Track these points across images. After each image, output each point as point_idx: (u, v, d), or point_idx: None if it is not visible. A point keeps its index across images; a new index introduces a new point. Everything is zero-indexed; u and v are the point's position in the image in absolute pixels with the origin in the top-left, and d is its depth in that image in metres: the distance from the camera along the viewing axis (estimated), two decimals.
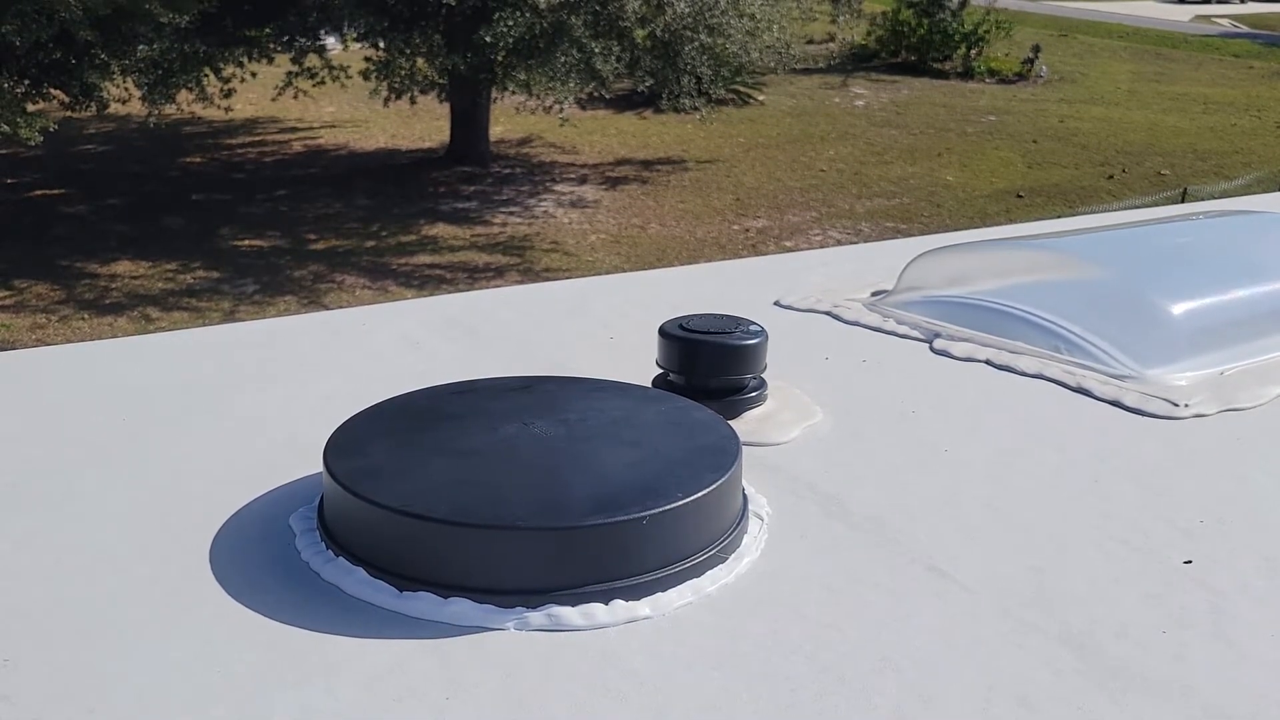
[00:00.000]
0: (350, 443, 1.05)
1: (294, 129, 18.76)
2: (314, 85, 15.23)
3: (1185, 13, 40.39)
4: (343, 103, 19.15)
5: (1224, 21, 38.87)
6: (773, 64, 17.15)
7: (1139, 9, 39.28)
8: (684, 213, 15.22)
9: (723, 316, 1.35)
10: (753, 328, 1.33)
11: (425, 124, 18.15)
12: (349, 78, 15.14)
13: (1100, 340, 1.59)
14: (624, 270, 12.66)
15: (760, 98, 21.52)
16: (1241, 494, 1.21)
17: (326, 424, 1.12)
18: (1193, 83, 26.79)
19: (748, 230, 14.75)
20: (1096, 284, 1.73)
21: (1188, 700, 0.86)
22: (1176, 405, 1.41)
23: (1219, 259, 1.86)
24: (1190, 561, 1.06)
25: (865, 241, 14.51)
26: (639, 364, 1.41)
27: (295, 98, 15.45)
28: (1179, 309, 1.60)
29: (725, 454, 1.06)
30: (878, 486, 1.20)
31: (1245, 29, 37.04)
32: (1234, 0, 45.41)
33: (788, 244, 14.26)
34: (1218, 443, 1.34)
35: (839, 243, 14.45)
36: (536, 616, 0.92)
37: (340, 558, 0.99)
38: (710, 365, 1.30)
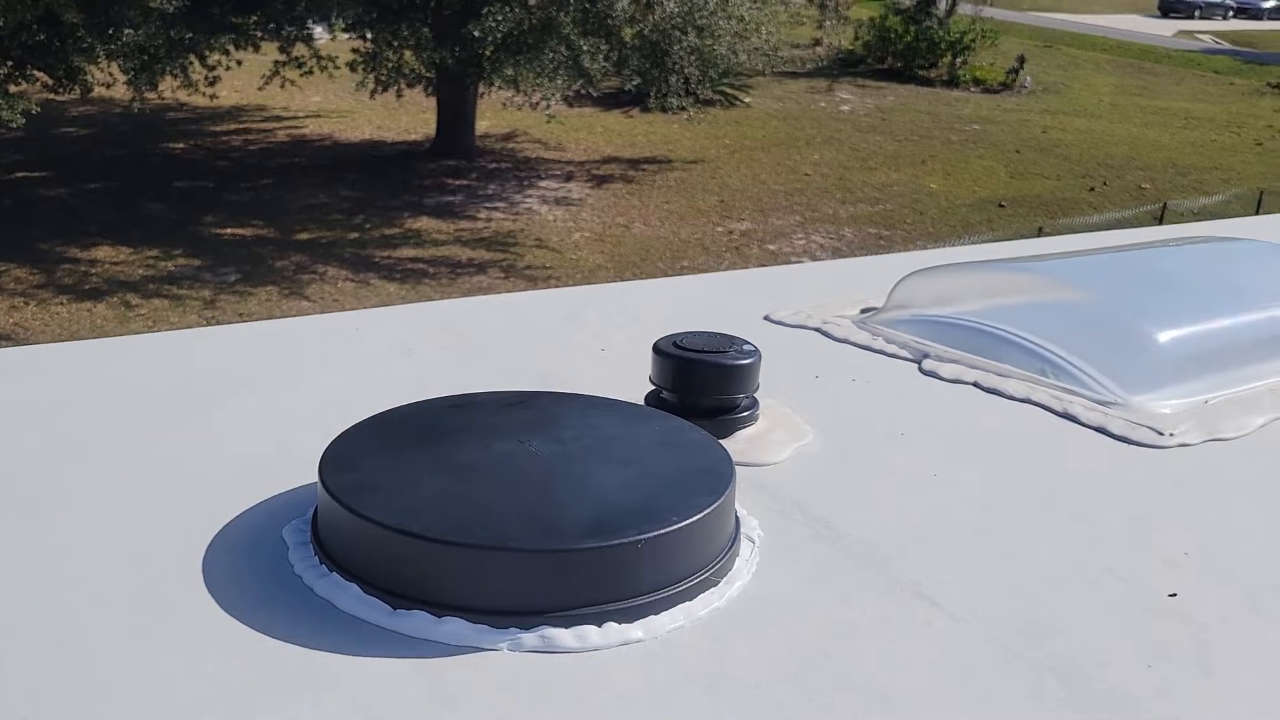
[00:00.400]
0: (346, 456, 1.05)
1: (279, 118, 18.67)
2: (301, 75, 15.15)
3: (1169, 28, 40.81)
4: (329, 93, 19.06)
5: (1206, 38, 39.27)
6: (760, 66, 17.20)
7: (1123, 23, 39.63)
8: (668, 213, 15.24)
9: (717, 335, 1.35)
10: (746, 347, 1.33)
11: (411, 116, 18.09)
12: (336, 68, 15.07)
13: (1087, 365, 1.60)
14: (606, 268, 12.66)
15: (747, 99, 21.57)
16: (1225, 526, 1.23)
17: (319, 432, 1.11)
18: (1174, 97, 27.06)
19: (731, 232, 14.78)
20: (1084, 308, 1.74)
21: None
22: (1161, 434, 1.43)
23: (1204, 286, 1.88)
24: (1175, 594, 1.07)
25: (848, 245, 14.57)
26: (631, 377, 1.42)
27: (282, 87, 15.37)
28: (1165, 336, 1.62)
29: (720, 477, 1.06)
30: (867, 510, 1.21)
31: (1227, 45, 37.43)
32: (1217, 16, 45.88)
33: (771, 247, 14.30)
34: (1202, 473, 1.35)
35: (821, 247, 14.51)
36: (530, 638, 0.93)
37: (334, 573, 0.99)
38: (704, 384, 1.31)
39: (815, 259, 13.97)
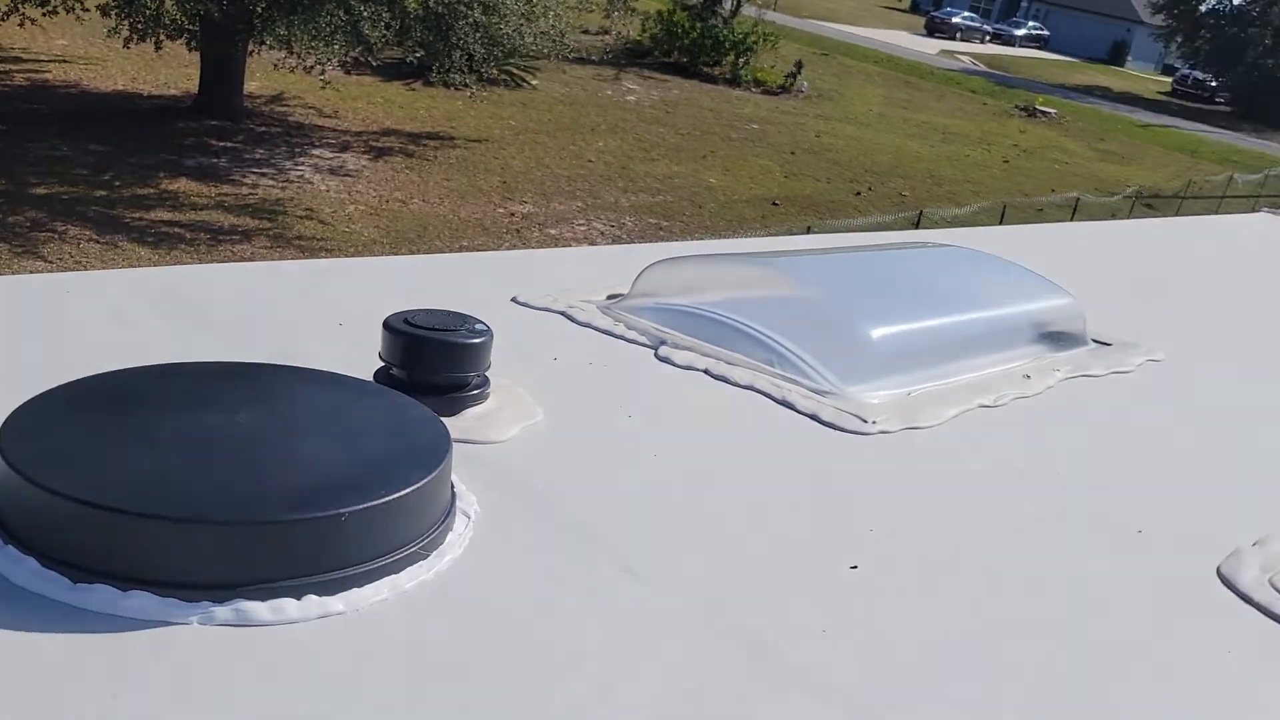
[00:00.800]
0: (30, 424, 0.99)
1: (17, 60, 17.05)
2: (44, 14, 13.87)
3: (933, 46, 43.67)
4: (76, 37, 17.57)
5: (965, 59, 42.29)
6: (546, 50, 17.16)
7: (893, 38, 42.10)
8: (449, 191, 15.01)
9: (449, 313, 1.36)
10: (478, 326, 1.34)
11: (172, 70, 16.96)
12: (85, 10, 13.89)
13: (808, 357, 1.71)
14: (382, 244, 12.34)
15: (533, 82, 21.50)
16: (909, 506, 1.34)
17: (9, 399, 1.05)
18: (935, 113, 28.97)
19: (513, 214, 14.71)
20: (810, 303, 1.86)
21: (838, 693, 0.96)
22: (865, 422, 1.55)
23: (918, 289, 2.05)
24: (856, 567, 1.16)
25: (628, 234, 14.81)
26: (366, 353, 1.40)
27: (21, 25, 14.01)
28: (878, 333, 1.75)
29: (435, 452, 1.07)
30: (586, 488, 1.25)
31: (983, 68, 40.45)
32: (975, 39, 49.47)
33: (552, 231, 14.34)
34: (896, 458, 1.47)
35: (603, 234, 14.68)
36: (222, 611, 0.91)
37: (10, 546, 0.93)
38: (433, 362, 1.31)
39: (595, 245, 14.12)
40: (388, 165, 15.46)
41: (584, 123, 20.21)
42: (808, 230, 15.12)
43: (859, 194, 19.43)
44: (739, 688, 0.94)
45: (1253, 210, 5.70)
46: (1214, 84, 46.88)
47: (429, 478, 1.03)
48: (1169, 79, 49.77)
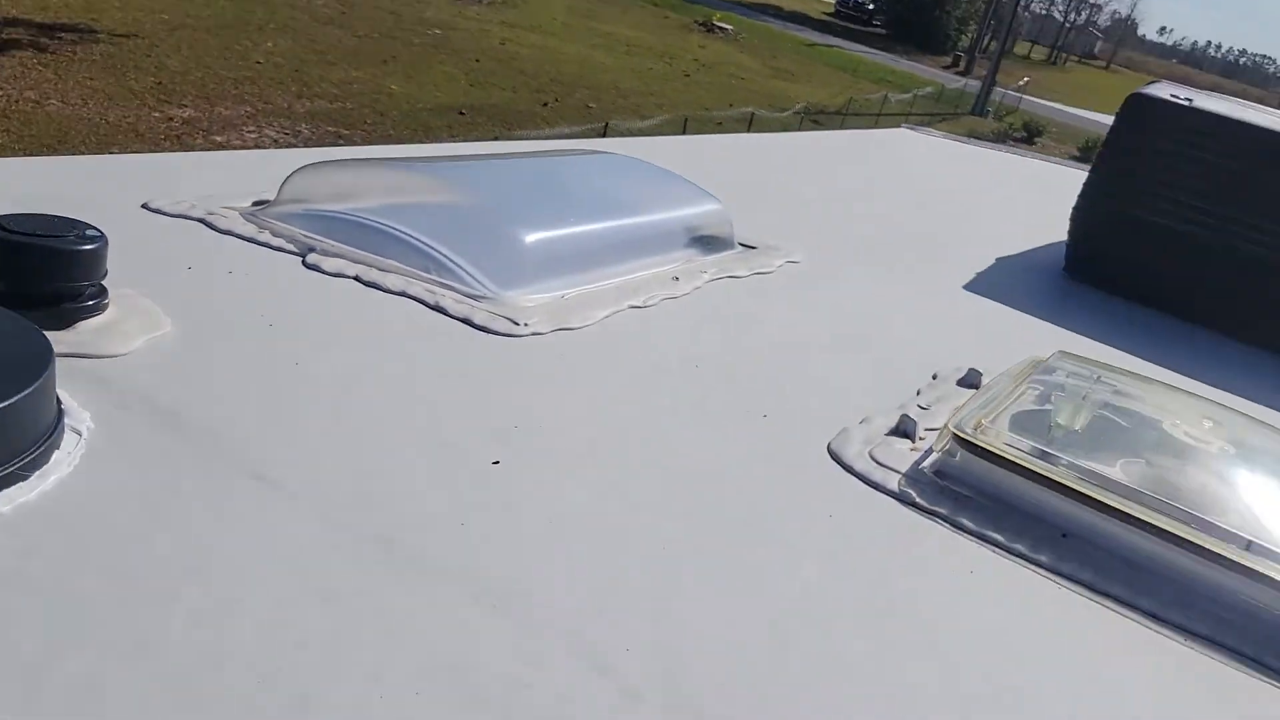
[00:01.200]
0: None
1: None
2: None
3: None
4: None
5: None
6: None
7: None
8: (93, 91, 13.56)
9: (56, 218, 1.24)
10: (90, 232, 1.24)
11: None
12: None
13: (464, 262, 1.71)
14: (13, 149, 11.02)
15: None
16: (552, 402, 1.39)
17: None
18: (619, 24, 29.38)
19: (171, 119, 13.53)
20: (467, 209, 1.85)
21: (470, 579, 0.99)
22: (517, 324, 1.58)
23: (575, 194, 2.09)
24: (498, 462, 1.20)
25: (304, 143, 14.05)
26: None
27: None
28: (532, 238, 1.78)
29: (32, 366, 0.99)
30: (218, 400, 1.20)
31: None
32: None
33: (218, 138, 13.35)
34: (545, 358, 1.52)
35: (275, 142, 13.84)
36: None
37: None
38: (33, 271, 1.20)
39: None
40: (15, 61, 13.72)
41: (249, 20, 18.82)
42: (494, 140, 14.98)
43: (546, 105, 19.45)
44: (373, 581, 0.95)
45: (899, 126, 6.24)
46: (871, 7, 50.48)
47: (24, 393, 0.95)
48: (833, 0, 53.08)
